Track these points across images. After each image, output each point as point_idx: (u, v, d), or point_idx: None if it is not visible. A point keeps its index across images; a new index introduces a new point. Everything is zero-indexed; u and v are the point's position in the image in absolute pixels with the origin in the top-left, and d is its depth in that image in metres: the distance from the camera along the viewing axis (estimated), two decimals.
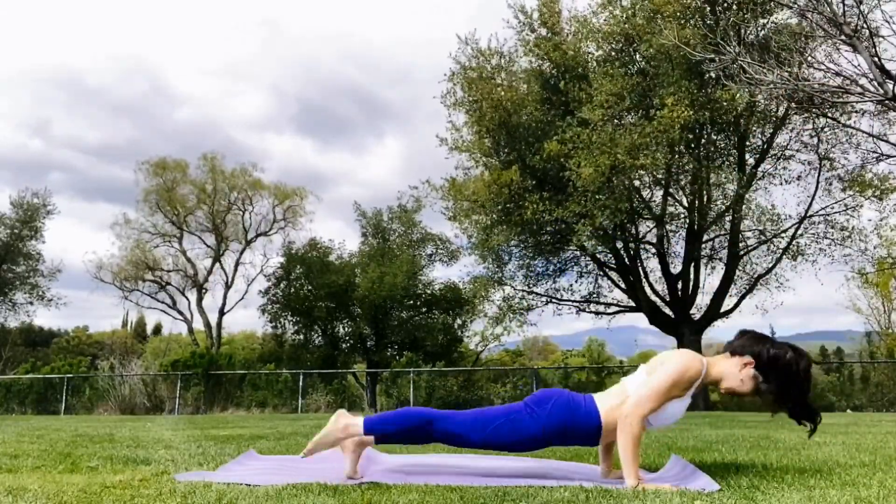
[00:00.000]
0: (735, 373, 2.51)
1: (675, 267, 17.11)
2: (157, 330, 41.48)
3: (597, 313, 18.57)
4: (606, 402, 2.57)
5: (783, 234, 16.42)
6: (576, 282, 18.41)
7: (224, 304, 26.49)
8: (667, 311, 17.12)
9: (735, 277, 16.73)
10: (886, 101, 9.95)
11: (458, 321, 23.22)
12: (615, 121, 14.44)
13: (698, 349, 16.70)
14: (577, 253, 17.74)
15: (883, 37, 10.57)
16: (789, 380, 2.48)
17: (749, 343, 2.55)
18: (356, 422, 2.60)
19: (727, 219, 16.27)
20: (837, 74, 10.50)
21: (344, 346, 24.17)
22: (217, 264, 26.91)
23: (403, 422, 2.60)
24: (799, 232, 16.31)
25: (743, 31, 14.04)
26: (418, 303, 23.90)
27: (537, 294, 18.28)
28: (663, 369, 2.46)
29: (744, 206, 15.42)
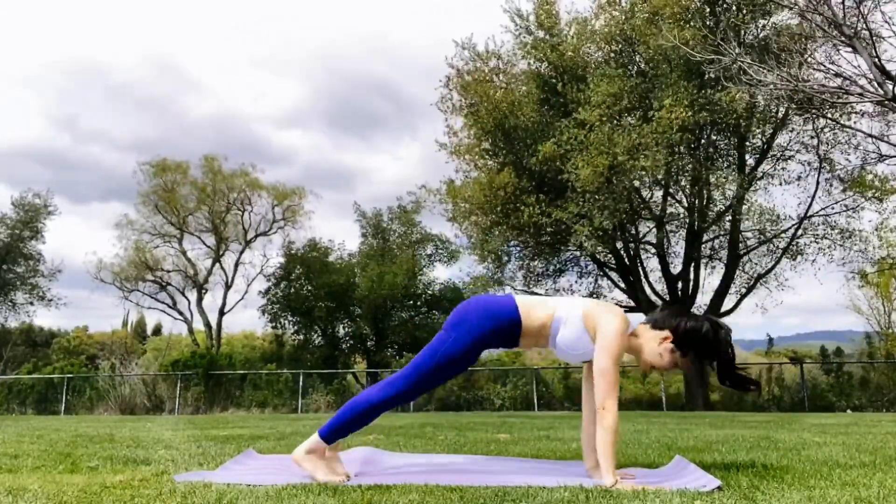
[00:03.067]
0: (654, 347, 2.54)
1: (675, 267, 17.12)
2: (157, 330, 41.44)
3: None
4: (528, 302, 2.60)
5: (783, 235, 16.43)
6: (576, 282, 18.43)
7: (224, 304, 26.48)
8: None
9: (735, 277, 16.74)
10: (886, 102, 9.96)
11: None
12: (613, 121, 14.45)
13: None
14: (577, 253, 17.75)
15: (883, 38, 10.61)
16: (708, 352, 2.53)
17: (667, 317, 2.56)
18: (314, 446, 2.56)
19: (727, 219, 16.27)
20: (837, 75, 10.52)
21: (344, 346, 24.18)
22: (217, 264, 26.91)
23: (351, 414, 2.58)
24: (799, 232, 16.32)
25: (743, 32, 14.05)
26: (418, 303, 23.91)
27: (538, 294, 18.29)
28: (603, 347, 2.43)
29: (744, 207, 15.43)
